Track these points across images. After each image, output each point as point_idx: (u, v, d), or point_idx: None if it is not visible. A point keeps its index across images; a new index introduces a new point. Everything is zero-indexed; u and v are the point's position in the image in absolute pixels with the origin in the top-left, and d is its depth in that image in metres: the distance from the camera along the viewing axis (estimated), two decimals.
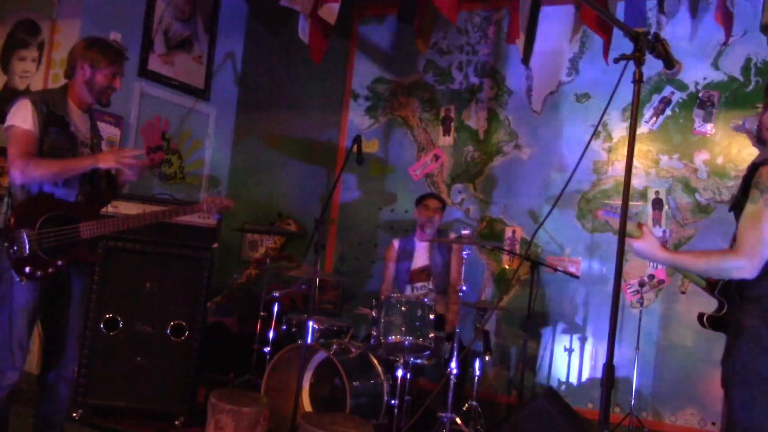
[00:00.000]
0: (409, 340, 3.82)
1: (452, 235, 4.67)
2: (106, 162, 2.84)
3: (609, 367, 1.92)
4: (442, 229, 4.84)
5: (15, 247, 2.73)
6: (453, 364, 3.85)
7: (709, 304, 2.46)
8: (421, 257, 4.72)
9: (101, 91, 2.94)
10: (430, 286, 4.60)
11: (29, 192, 2.81)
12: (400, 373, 3.79)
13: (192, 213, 3.20)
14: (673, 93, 4.68)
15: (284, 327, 4.41)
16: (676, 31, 4.66)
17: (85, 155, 2.91)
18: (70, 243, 2.83)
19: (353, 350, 4.02)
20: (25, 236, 2.75)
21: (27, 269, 2.74)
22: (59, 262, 2.81)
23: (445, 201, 4.92)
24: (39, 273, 2.77)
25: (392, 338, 3.83)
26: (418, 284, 4.66)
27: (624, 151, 2.00)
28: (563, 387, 4.80)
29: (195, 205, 3.23)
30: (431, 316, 3.89)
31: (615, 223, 2.24)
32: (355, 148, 4.02)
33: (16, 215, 2.77)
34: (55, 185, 2.84)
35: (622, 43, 3.69)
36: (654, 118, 4.72)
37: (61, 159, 2.80)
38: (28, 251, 2.74)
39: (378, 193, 5.51)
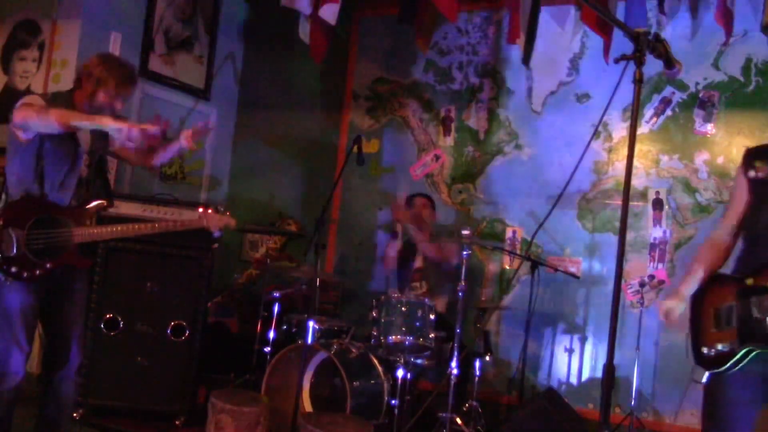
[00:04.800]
0: (409, 340, 3.82)
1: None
2: (113, 122, 2.73)
3: (609, 367, 1.92)
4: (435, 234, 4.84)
5: (2, 247, 2.73)
6: (453, 364, 3.85)
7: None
8: (419, 259, 4.75)
9: (100, 109, 2.91)
10: (424, 288, 4.60)
11: (26, 192, 2.81)
12: (400, 373, 3.79)
13: (191, 227, 3.15)
14: (673, 93, 4.68)
15: (285, 327, 4.41)
16: (677, 31, 4.66)
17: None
18: (61, 246, 2.82)
19: (353, 350, 4.02)
20: (13, 236, 2.74)
21: (13, 269, 2.74)
22: (48, 265, 2.79)
23: (432, 198, 4.93)
24: (26, 274, 2.75)
25: (392, 338, 3.83)
26: (413, 284, 4.68)
27: (624, 151, 2.01)
28: (563, 387, 4.80)
29: (194, 220, 3.17)
30: (431, 316, 3.89)
31: None
32: (355, 148, 4.02)
33: (5, 215, 2.77)
34: (51, 188, 2.83)
35: (622, 43, 3.68)
36: (654, 119, 4.72)
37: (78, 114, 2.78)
38: (15, 251, 2.73)
39: (378, 193, 5.51)
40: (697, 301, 2.50)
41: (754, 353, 2.25)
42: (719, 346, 2.33)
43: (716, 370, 2.34)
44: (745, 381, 2.32)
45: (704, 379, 2.45)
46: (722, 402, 2.38)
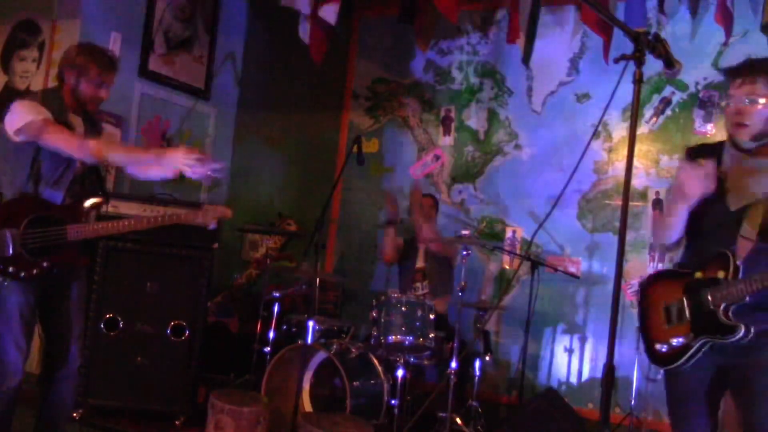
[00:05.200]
0: (409, 339, 3.82)
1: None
2: (168, 162, 2.73)
3: (609, 367, 1.92)
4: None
5: None
6: (453, 364, 3.85)
7: None
8: (420, 258, 4.75)
9: (86, 100, 2.89)
10: (426, 289, 4.60)
11: (20, 191, 2.80)
12: (400, 373, 3.79)
13: (187, 222, 3.13)
14: (673, 93, 4.68)
15: (284, 327, 4.41)
16: (677, 31, 4.66)
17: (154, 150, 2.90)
18: (57, 245, 2.80)
19: (353, 350, 4.02)
20: (9, 236, 2.73)
21: (11, 269, 2.72)
22: (44, 263, 2.78)
23: (437, 199, 4.96)
24: (23, 274, 2.74)
25: (392, 338, 3.83)
26: (415, 284, 4.67)
27: (624, 151, 2.01)
28: (563, 387, 4.80)
29: (190, 214, 3.12)
30: (431, 316, 3.89)
31: None
32: (355, 148, 4.03)
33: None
34: (45, 187, 2.81)
35: (622, 43, 3.69)
36: (654, 119, 4.72)
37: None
38: (11, 251, 2.72)
39: (378, 193, 5.51)
40: (644, 300, 2.53)
41: (708, 345, 2.28)
42: (673, 342, 2.34)
43: (671, 366, 2.36)
44: (702, 373, 2.35)
45: (659, 377, 2.47)
46: (683, 396, 2.41)
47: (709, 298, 2.26)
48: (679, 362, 2.32)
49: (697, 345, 2.28)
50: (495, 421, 4.44)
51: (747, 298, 2.18)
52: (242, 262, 5.88)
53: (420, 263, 4.72)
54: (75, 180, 2.89)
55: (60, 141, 2.71)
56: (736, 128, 2.35)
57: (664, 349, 2.38)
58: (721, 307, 2.23)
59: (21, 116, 2.73)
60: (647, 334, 2.48)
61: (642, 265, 4.64)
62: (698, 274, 2.34)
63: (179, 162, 2.71)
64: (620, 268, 1.93)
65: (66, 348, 2.95)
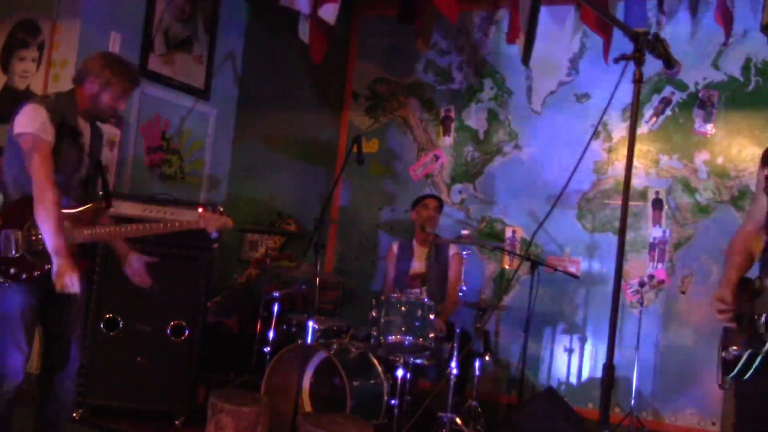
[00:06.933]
0: (409, 339, 3.82)
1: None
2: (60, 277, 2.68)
3: (609, 367, 1.92)
4: (437, 234, 4.82)
5: (1, 248, 2.71)
6: (453, 364, 3.85)
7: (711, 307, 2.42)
8: (418, 262, 4.71)
9: (104, 111, 2.92)
10: (424, 296, 4.53)
11: (26, 192, 2.79)
12: (400, 373, 3.79)
13: (187, 228, 3.11)
14: (673, 93, 4.68)
15: (284, 327, 4.41)
16: (676, 31, 4.66)
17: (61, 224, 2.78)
18: None
19: (353, 350, 4.03)
20: (13, 237, 2.72)
21: (12, 270, 2.71)
22: (47, 266, 2.75)
23: (443, 201, 4.92)
24: (25, 275, 2.73)
25: (392, 338, 3.83)
26: (411, 290, 4.62)
27: (624, 151, 2.01)
28: (563, 387, 4.80)
29: (191, 221, 3.11)
30: (431, 316, 3.89)
31: None
32: (355, 148, 4.02)
33: (3, 215, 2.75)
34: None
35: (622, 43, 3.69)
36: (654, 118, 4.73)
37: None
38: (14, 252, 2.72)
39: (378, 193, 5.51)
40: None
41: (759, 357, 2.15)
42: (732, 349, 2.24)
43: (731, 374, 2.24)
44: (761, 386, 2.21)
45: (728, 385, 2.36)
46: (751, 410, 2.29)
47: (762, 308, 2.15)
48: (733, 372, 2.22)
49: (746, 356, 2.17)
50: (495, 421, 4.44)
51: None
52: (242, 262, 5.88)
53: (421, 267, 4.69)
54: (80, 184, 2.90)
55: (39, 173, 2.68)
56: None
57: (727, 356, 2.26)
58: (763, 316, 2.13)
59: (26, 122, 2.73)
60: (724, 338, 2.35)
61: (642, 265, 4.64)
62: (757, 283, 2.24)
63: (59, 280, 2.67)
64: (620, 268, 1.94)
65: (66, 348, 2.95)
